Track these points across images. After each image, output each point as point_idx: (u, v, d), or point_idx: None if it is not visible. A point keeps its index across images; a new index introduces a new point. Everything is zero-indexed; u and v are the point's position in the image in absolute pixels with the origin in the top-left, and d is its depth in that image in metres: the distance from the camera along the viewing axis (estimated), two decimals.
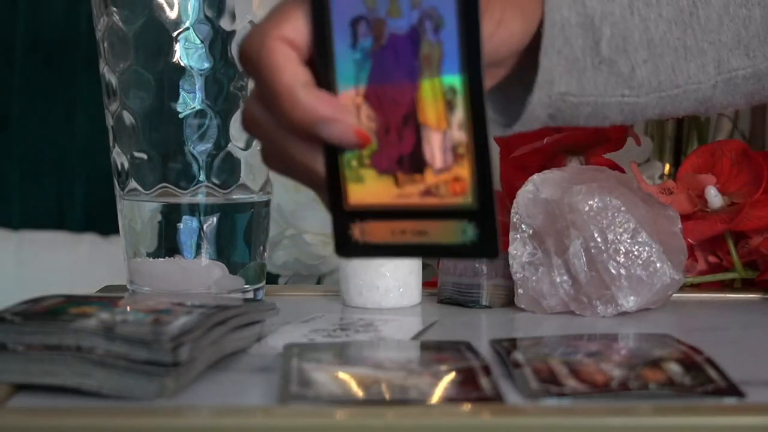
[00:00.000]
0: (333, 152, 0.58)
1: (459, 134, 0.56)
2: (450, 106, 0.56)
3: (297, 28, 0.58)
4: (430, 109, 0.57)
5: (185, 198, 0.80)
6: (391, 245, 0.58)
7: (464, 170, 0.56)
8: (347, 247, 0.59)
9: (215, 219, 0.80)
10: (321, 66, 0.58)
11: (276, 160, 0.60)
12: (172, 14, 0.78)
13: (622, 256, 0.80)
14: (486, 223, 0.56)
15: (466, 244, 0.57)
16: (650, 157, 1.08)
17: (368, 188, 0.58)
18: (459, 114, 0.56)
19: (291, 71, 0.57)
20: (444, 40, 0.56)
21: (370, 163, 0.58)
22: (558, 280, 0.80)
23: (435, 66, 0.56)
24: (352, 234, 0.58)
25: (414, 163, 0.57)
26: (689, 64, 0.68)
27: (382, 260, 0.82)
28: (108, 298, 0.68)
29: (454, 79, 0.56)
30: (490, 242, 0.56)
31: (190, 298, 0.68)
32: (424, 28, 0.56)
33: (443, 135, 0.56)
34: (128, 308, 0.64)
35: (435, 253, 0.58)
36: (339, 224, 0.59)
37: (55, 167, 1.42)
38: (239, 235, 0.81)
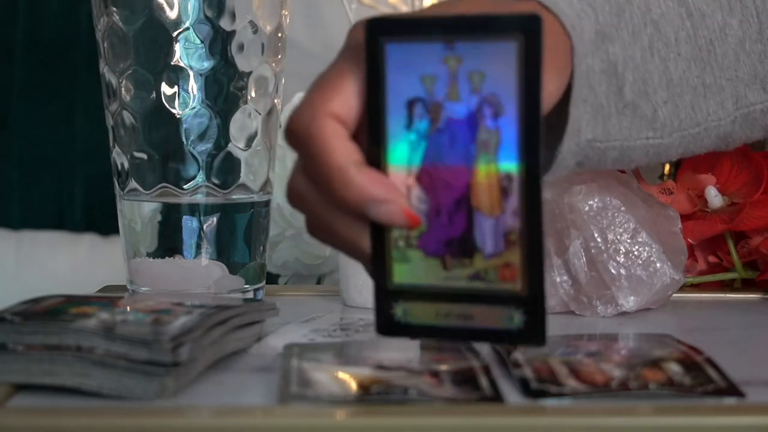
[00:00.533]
0: (380, 230, 0.57)
1: (512, 221, 0.55)
2: (505, 192, 0.56)
3: (346, 103, 0.57)
4: (484, 194, 0.56)
5: (185, 198, 0.80)
6: (434, 327, 0.58)
7: (515, 257, 0.56)
8: (389, 325, 0.58)
9: (215, 219, 0.80)
10: (373, 144, 0.57)
11: (321, 231, 0.60)
12: (172, 14, 0.78)
13: (622, 256, 0.80)
14: (534, 310, 0.56)
15: (512, 330, 0.56)
16: None
17: (414, 269, 0.57)
18: (514, 201, 0.55)
19: (343, 150, 0.57)
20: (502, 126, 0.55)
21: (417, 244, 0.57)
22: (558, 280, 0.80)
23: (492, 152, 0.56)
24: (395, 313, 0.58)
25: (464, 246, 0.57)
26: (708, 102, 0.68)
27: None
28: (108, 298, 0.68)
29: (511, 166, 0.55)
30: (537, 329, 0.56)
31: (190, 298, 0.68)
32: (482, 114, 0.56)
33: (496, 221, 0.56)
34: (128, 308, 0.64)
35: (480, 337, 0.58)
36: (382, 302, 0.58)
37: (55, 167, 1.42)
38: (239, 235, 0.81)
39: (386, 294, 0.58)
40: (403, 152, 0.57)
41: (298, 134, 0.58)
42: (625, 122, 0.66)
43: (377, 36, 0.57)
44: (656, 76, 0.66)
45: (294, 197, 0.60)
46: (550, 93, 0.61)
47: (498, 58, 0.55)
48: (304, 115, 0.57)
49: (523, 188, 0.55)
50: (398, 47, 0.57)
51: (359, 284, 0.83)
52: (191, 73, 0.78)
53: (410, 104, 0.57)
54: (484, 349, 0.67)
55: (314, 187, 0.58)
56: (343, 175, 0.56)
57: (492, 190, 0.56)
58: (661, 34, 0.67)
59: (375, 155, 0.57)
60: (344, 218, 0.58)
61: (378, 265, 0.58)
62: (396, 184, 0.57)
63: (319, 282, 1.05)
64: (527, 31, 0.54)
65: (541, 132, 0.55)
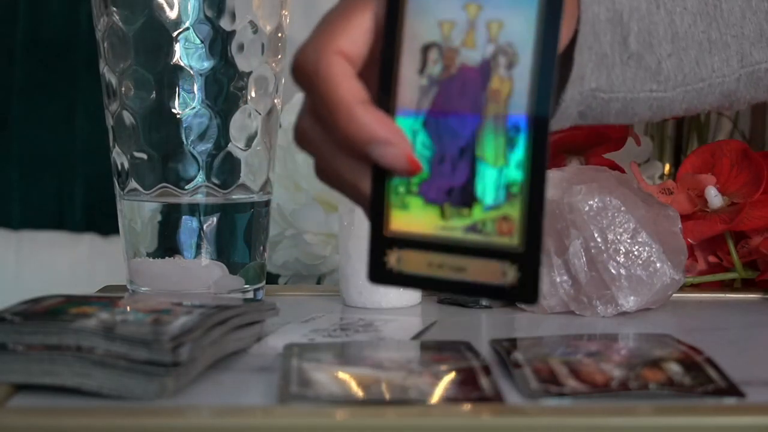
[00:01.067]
0: (381, 175, 0.57)
1: (516, 173, 0.55)
2: (511, 143, 0.55)
3: (353, 40, 0.57)
4: (489, 144, 0.55)
5: (185, 198, 0.80)
6: (425, 278, 0.57)
7: (515, 210, 0.55)
8: (380, 273, 0.58)
9: (215, 219, 0.80)
10: (384, 87, 0.57)
11: (326, 174, 0.59)
12: (172, 14, 0.78)
13: (622, 256, 0.80)
14: (529, 266, 0.55)
15: (504, 286, 0.55)
16: (650, 157, 1.08)
17: (412, 216, 0.57)
18: (519, 153, 0.55)
19: (349, 87, 0.56)
20: (515, 77, 0.55)
21: (418, 191, 0.57)
22: (558, 280, 0.80)
23: (502, 102, 0.55)
24: (388, 261, 0.57)
25: (464, 196, 0.56)
26: (713, 58, 0.68)
27: None
28: (108, 298, 0.68)
29: (520, 118, 0.55)
30: (530, 287, 0.55)
31: (190, 298, 0.68)
32: (497, 63, 0.55)
33: (499, 171, 0.55)
34: (128, 308, 0.64)
35: (471, 291, 0.57)
36: (376, 249, 0.58)
37: (55, 167, 1.42)
38: (239, 235, 0.81)
39: (381, 241, 0.58)
40: (412, 97, 0.57)
41: (305, 71, 0.57)
42: (629, 73, 0.66)
43: None
44: (661, 28, 0.66)
45: (301, 137, 0.59)
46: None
47: (518, 9, 0.55)
48: (311, 52, 0.57)
49: (530, 141, 0.55)
50: None
51: (359, 284, 0.83)
52: (191, 73, 0.78)
53: (425, 49, 0.57)
54: (484, 349, 0.67)
55: (321, 126, 0.58)
56: (348, 112, 0.56)
57: (498, 141, 0.56)
58: None
59: (384, 97, 0.57)
60: (348, 160, 0.58)
61: (376, 210, 0.58)
62: (401, 128, 0.57)
63: (319, 282, 1.05)
64: None
65: (553, 85, 0.55)
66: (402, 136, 0.56)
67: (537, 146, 0.55)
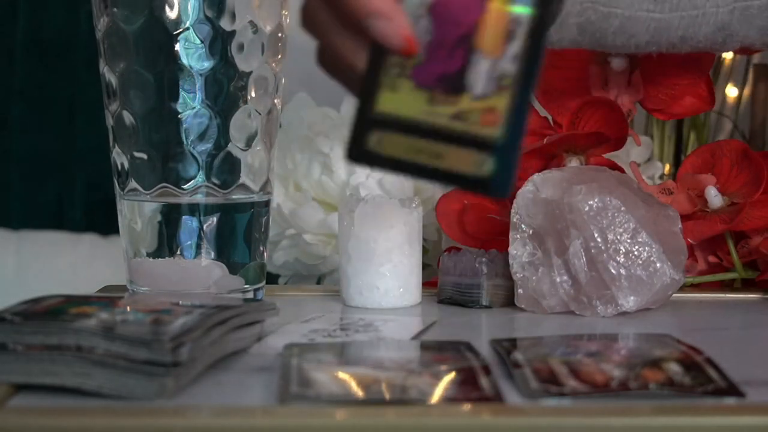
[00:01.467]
0: (378, 55, 0.57)
1: (509, 66, 0.55)
2: (510, 36, 0.55)
3: None
4: (489, 34, 0.56)
5: (185, 198, 0.80)
6: (402, 161, 0.57)
7: (501, 102, 0.55)
8: (359, 152, 0.57)
9: (215, 219, 0.80)
10: None
11: (327, 57, 0.60)
12: (172, 14, 0.78)
13: (622, 256, 0.80)
14: (507, 160, 0.55)
15: (479, 177, 0.55)
16: (650, 157, 1.08)
17: (400, 98, 0.57)
18: (516, 45, 0.55)
19: None
20: None
21: (410, 74, 0.57)
22: (558, 280, 0.80)
23: None
24: (369, 141, 0.57)
25: (454, 83, 0.56)
26: None
27: (381, 260, 0.82)
28: (108, 298, 0.68)
29: (523, 10, 0.55)
30: (504, 181, 0.55)
31: (190, 298, 0.68)
32: None
33: (493, 62, 0.56)
34: (128, 308, 0.64)
35: (445, 179, 0.57)
36: (359, 128, 0.57)
37: (55, 167, 1.42)
38: (239, 235, 0.81)
39: (366, 120, 0.58)
40: None
41: None
42: None
43: None
44: None
45: (306, 18, 0.60)
46: None
47: None
48: None
49: (529, 35, 0.55)
50: None
51: (359, 284, 0.83)
52: (191, 73, 0.78)
53: None
54: (484, 349, 0.67)
55: (326, 5, 0.59)
56: None
57: (498, 31, 0.56)
58: None
59: None
60: (349, 40, 0.58)
61: (366, 88, 0.58)
62: (405, 9, 0.57)
63: (319, 282, 1.05)
64: None
65: None
66: (401, 13, 0.57)
67: (534, 42, 0.55)
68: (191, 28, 0.78)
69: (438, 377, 0.61)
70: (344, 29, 0.58)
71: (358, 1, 0.57)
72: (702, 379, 0.60)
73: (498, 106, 0.56)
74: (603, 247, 0.79)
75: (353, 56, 0.58)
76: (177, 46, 0.78)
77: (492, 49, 0.56)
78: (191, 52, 0.78)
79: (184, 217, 0.80)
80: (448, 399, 0.58)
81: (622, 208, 0.80)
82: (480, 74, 0.56)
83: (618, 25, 0.68)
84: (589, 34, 0.68)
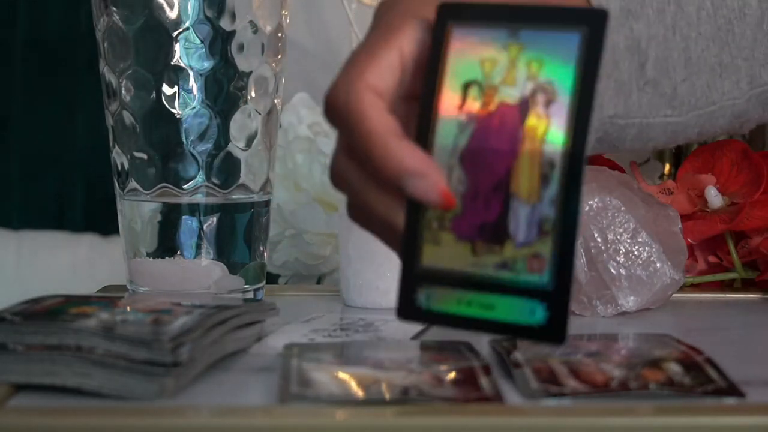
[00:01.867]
0: (416, 210, 0.57)
1: (549, 210, 0.55)
2: (545, 180, 0.55)
3: (382, 75, 0.57)
4: (524, 180, 0.55)
5: (185, 198, 0.80)
6: (454, 316, 0.57)
7: (546, 248, 0.55)
8: (410, 311, 0.58)
9: (215, 219, 0.80)
10: (422, 122, 0.57)
11: (360, 212, 0.60)
12: (172, 14, 0.78)
13: (622, 256, 0.80)
14: (558, 305, 0.55)
15: (532, 325, 0.55)
16: (650, 157, 1.08)
17: (444, 252, 0.57)
18: (553, 189, 0.55)
19: (381, 120, 0.57)
20: (553, 114, 0.55)
21: (450, 226, 0.57)
22: None
23: (539, 139, 0.55)
24: (418, 298, 0.58)
25: (496, 233, 0.56)
26: (724, 81, 0.69)
27: (381, 260, 0.82)
28: (108, 298, 0.68)
29: (555, 154, 0.55)
30: (558, 327, 0.55)
31: (190, 298, 0.68)
32: (535, 101, 0.56)
33: (532, 208, 0.55)
34: (128, 308, 0.64)
35: (499, 330, 0.57)
36: (406, 285, 0.58)
37: (55, 167, 1.42)
38: (239, 235, 0.81)
39: (412, 277, 0.58)
40: (450, 132, 0.57)
41: (337, 108, 0.58)
42: (645, 99, 0.67)
43: (446, 20, 0.58)
44: (676, 54, 0.67)
45: (336, 177, 0.60)
46: None
47: (560, 48, 0.56)
48: (341, 89, 0.58)
49: (564, 178, 0.55)
50: (464, 31, 0.57)
51: (359, 284, 0.83)
52: (191, 73, 0.78)
53: (466, 86, 0.57)
54: (484, 349, 0.67)
55: (355, 164, 0.58)
56: (383, 144, 0.56)
57: (533, 177, 0.55)
58: (684, 12, 0.68)
59: (423, 132, 0.58)
60: (382, 195, 0.58)
61: (408, 245, 0.58)
62: (436, 162, 0.57)
63: (319, 282, 1.05)
64: (593, 24, 0.55)
65: (590, 122, 0.55)
66: (436, 169, 0.57)
67: (571, 183, 0.55)
68: (191, 28, 0.78)
69: (438, 377, 0.60)
70: (377, 188, 0.58)
71: (391, 162, 0.56)
72: (702, 379, 0.60)
73: (543, 251, 0.55)
74: (603, 247, 0.79)
75: (390, 214, 0.58)
76: (177, 46, 0.78)
77: (529, 195, 0.55)
78: (191, 52, 0.78)
79: (184, 217, 0.80)
80: (448, 399, 0.58)
81: (622, 208, 0.80)
82: (520, 221, 0.56)
83: (636, 133, 0.68)
84: (607, 144, 0.69)
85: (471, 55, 0.57)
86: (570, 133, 0.55)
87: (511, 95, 0.56)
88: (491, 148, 0.56)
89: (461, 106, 0.57)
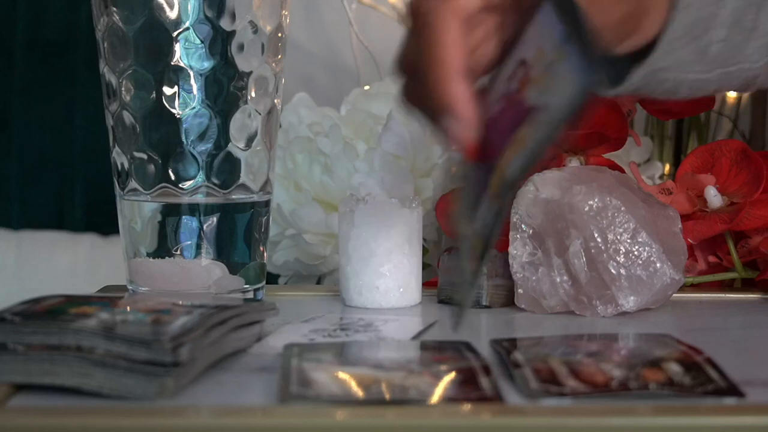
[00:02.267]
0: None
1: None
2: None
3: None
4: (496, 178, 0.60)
5: (185, 198, 0.80)
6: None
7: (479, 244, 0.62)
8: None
9: (215, 219, 0.80)
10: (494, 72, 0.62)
11: (415, 94, 0.63)
12: (172, 14, 0.78)
13: (622, 256, 0.80)
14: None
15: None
16: (650, 157, 1.09)
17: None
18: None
19: (452, 50, 0.60)
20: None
21: None
22: (558, 280, 0.80)
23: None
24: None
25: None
26: (749, 44, 0.71)
27: (381, 260, 0.82)
28: (108, 298, 0.68)
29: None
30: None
31: (190, 298, 0.68)
32: (536, 115, 0.59)
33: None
34: (128, 308, 0.64)
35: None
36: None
37: (55, 167, 1.42)
38: (239, 235, 0.81)
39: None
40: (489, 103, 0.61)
41: (418, 17, 0.61)
42: (685, 55, 0.70)
43: None
44: (723, 13, 0.69)
45: (406, 60, 0.63)
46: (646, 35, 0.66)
47: (570, 80, 0.58)
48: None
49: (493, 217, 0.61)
50: None
51: (359, 284, 0.83)
52: (191, 73, 0.78)
53: (521, 63, 0.61)
54: (484, 349, 0.67)
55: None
56: (443, 75, 0.60)
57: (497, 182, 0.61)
58: None
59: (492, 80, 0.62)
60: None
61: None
62: (479, 113, 0.60)
63: (319, 282, 1.05)
64: None
65: (536, 163, 0.60)
66: (474, 119, 0.60)
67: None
68: (191, 28, 0.78)
69: (438, 377, 0.61)
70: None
71: (442, 93, 0.60)
72: (702, 379, 0.60)
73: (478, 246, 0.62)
74: (603, 247, 0.79)
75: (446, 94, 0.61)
76: (177, 46, 0.78)
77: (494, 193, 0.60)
78: (191, 52, 0.78)
79: (184, 217, 0.80)
80: (448, 399, 0.58)
81: (622, 208, 0.80)
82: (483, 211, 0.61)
83: (669, 86, 0.72)
84: (640, 94, 0.72)
85: (537, 36, 0.60)
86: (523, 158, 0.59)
87: (533, 97, 0.59)
88: (485, 157, 0.60)
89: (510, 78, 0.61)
